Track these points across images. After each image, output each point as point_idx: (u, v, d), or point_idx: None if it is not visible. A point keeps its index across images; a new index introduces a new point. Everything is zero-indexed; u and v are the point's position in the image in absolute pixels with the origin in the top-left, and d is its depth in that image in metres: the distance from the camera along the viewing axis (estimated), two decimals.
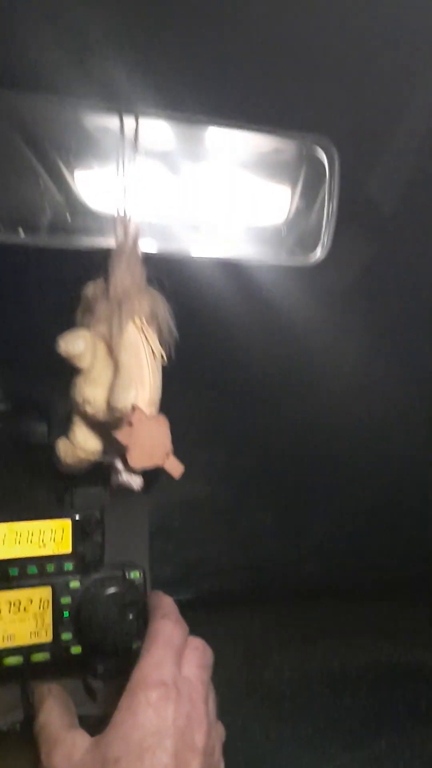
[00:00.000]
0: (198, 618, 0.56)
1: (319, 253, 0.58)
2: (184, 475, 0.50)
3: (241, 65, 0.52)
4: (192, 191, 0.58)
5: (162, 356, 0.50)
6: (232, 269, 0.61)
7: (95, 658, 0.57)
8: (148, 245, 0.57)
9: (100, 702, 0.59)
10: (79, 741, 0.47)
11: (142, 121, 0.53)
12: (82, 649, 0.56)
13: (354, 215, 0.65)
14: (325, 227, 0.57)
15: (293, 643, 0.98)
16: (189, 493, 1.04)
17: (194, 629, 0.54)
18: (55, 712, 0.51)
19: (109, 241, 0.52)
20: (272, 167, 0.56)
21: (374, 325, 0.92)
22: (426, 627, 1.04)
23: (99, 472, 0.55)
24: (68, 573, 0.56)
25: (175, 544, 1.05)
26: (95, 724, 0.51)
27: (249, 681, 0.89)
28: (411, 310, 0.94)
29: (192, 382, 0.78)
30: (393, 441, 1.07)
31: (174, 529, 1.05)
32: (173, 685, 0.46)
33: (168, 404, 0.51)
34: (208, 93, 0.53)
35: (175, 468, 0.49)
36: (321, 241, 0.57)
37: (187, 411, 0.95)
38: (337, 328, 0.88)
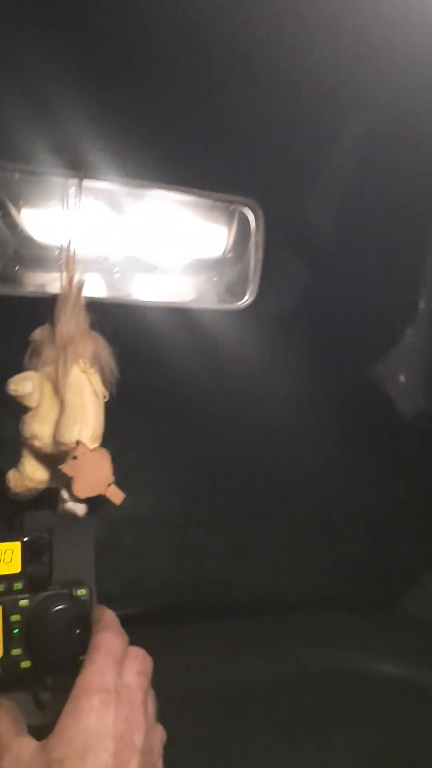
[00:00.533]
0: (140, 631, 0.61)
1: (248, 298, 0.64)
2: (134, 493, 0.55)
3: (180, 135, 0.59)
4: (131, 240, 0.64)
5: (104, 395, 0.55)
6: (170, 311, 0.67)
7: (44, 671, 0.61)
8: (91, 290, 0.62)
9: (49, 712, 0.63)
10: (25, 745, 0.51)
11: (88, 181, 0.58)
12: (32, 663, 0.60)
13: (285, 258, 0.73)
14: (253, 275, 0.64)
15: (233, 655, 1.03)
16: (137, 510, 1.09)
17: (137, 642, 0.59)
18: (3, 723, 0.55)
19: (55, 289, 0.57)
20: (205, 222, 0.63)
21: (306, 352, 1.00)
22: (355, 635, 1.11)
23: (47, 497, 0.59)
24: (17, 592, 0.60)
25: (122, 559, 1.09)
26: (44, 732, 0.55)
27: (189, 689, 0.94)
28: (342, 337, 1.03)
29: (141, 409, 0.84)
30: (329, 459, 1.14)
31: (122, 545, 1.10)
32: (114, 691, 0.51)
33: (119, 428, 0.56)
34: (151, 159, 0.59)
35: (116, 496, 0.55)
36: (250, 287, 0.64)
37: (136, 434, 1.01)
38: (273, 356, 0.95)
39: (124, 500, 0.57)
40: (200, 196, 0.60)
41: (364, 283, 0.95)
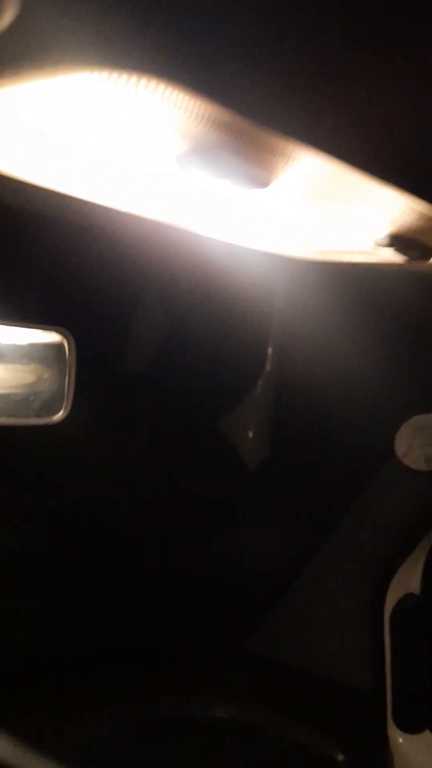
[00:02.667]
0: None
1: (61, 414, 0.72)
2: None
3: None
4: None
5: None
6: None
7: None
8: None
9: None
10: None
11: None
12: None
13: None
14: (66, 394, 0.72)
15: (95, 706, 1.03)
16: None
17: None
18: None
19: None
20: (20, 349, 0.71)
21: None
22: (204, 681, 1.14)
23: None
24: None
25: None
26: None
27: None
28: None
29: None
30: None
31: None
32: None
33: None
34: None
35: None
36: (64, 404, 0.72)
37: None
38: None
39: None
40: (17, 326, 0.68)
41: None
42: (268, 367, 1.27)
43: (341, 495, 1.20)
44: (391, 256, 0.46)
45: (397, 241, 0.40)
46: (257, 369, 1.25)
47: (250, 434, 1.29)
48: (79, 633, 1.12)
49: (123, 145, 0.30)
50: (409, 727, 1.17)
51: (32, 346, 0.70)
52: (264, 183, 0.31)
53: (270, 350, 1.25)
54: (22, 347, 0.68)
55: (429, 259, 0.43)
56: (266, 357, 1.25)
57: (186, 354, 1.13)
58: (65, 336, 0.72)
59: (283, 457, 1.26)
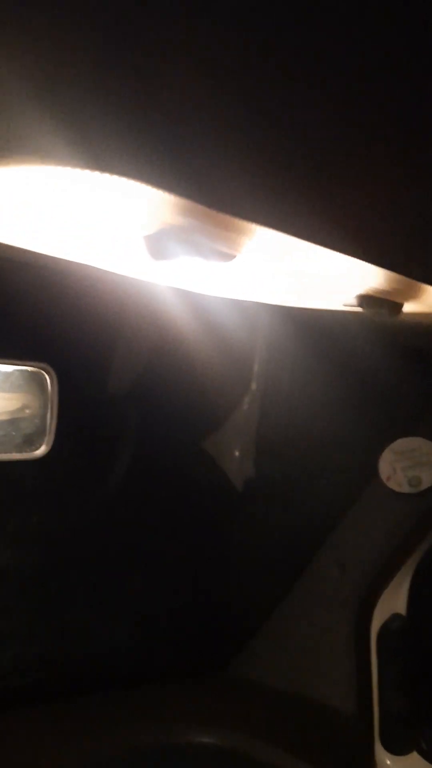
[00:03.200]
0: None
1: (43, 449, 0.73)
2: None
3: None
4: None
5: None
6: None
7: None
8: None
9: None
10: None
11: None
12: None
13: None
14: (49, 429, 0.72)
15: (75, 732, 1.02)
16: None
17: None
18: None
19: None
20: (4, 383, 0.71)
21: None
22: (185, 705, 1.13)
23: None
24: None
25: None
26: None
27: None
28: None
29: None
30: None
31: None
32: None
33: None
34: None
35: None
36: (46, 439, 0.72)
37: None
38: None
39: None
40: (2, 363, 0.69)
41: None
42: (253, 386, 1.28)
43: (326, 516, 1.21)
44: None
45: (366, 301, 0.41)
46: (242, 388, 1.26)
47: (236, 453, 1.30)
48: (59, 657, 1.12)
49: (92, 219, 0.31)
50: (397, 748, 1.17)
51: (14, 374, 0.70)
52: (229, 258, 0.32)
53: (256, 367, 1.26)
54: (5, 374, 0.69)
55: (397, 315, 0.44)
56: (252, 376, 1.26)
57: (170, 374, 1.14)
58: (47, 371, 0.72)
59: (268, 477, 1.26)
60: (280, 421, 1.25)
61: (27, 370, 0.71)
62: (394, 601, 1.20)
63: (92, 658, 1.16)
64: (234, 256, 0.33)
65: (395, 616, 1.21)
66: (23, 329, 0.73)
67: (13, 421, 0.71)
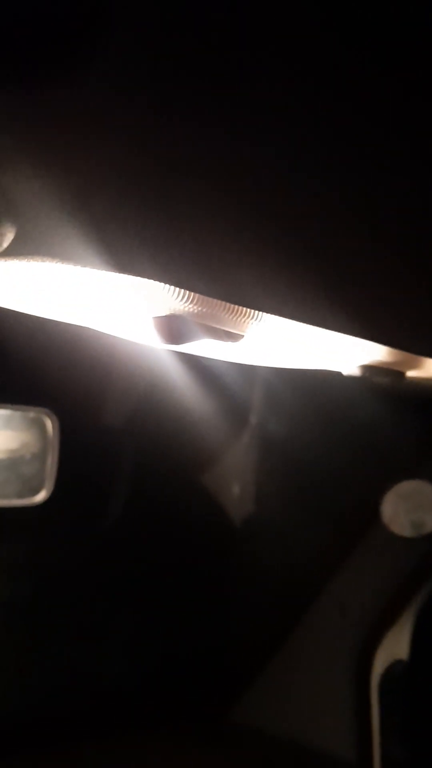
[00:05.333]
0: None
1: (43, 495, 0.72)
2: None
3: None
4: None
5: None
6: None
7: None
8: None
9: None
10: None
11: None
12: None
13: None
14: (49, 473, 0.71)
15: None
16: None
17: None
18: None
19: None
20: (5, 428, 0.71)
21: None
22: (192, 755, 1.10)
23: None
24: None
25: None
26: None
27: None
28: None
29: None
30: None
31: None
32: None
33: None
34: None
35: None
36: (46, 485, 0.71)
37: None
38: None
39: None
40: (5, 408, 0.68)
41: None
42: (253, 420, 1.27)
43: (326, 558, 1.19)
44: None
45: (369, 370, 0.41)
46: (241, 423, 1.25)
47: (235, 489, 1.29)
48: (45, 702, 1.09)
49: (101, 301, 0.31)
50: None
51: (15, 416, 0.69)
52: (237, 339, 0.33)
53: (255, 402, 1.26)
54: (6, 416, 0.68)
55: (400, 382, 0.44)
56: (251, 408, 1.26)
57: (168, 409, 1.13)
58: (49, 416, 0.71)
59: (267, 516, 1.25)
60: (281, 458, 1.24)
61: (28, 414, 0.71)
62: (395, 646, 1.18)
63: (82, 703, 1.13)
64: (242, 337, 0.34)
65: (397, 662, 1.19)
66: (24, 374, 0.73)
67: (13, 465, 0.70)
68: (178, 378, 0.98)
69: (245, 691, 1.21)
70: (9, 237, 0.22)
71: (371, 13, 0.20)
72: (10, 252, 0.23)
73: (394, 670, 1.18)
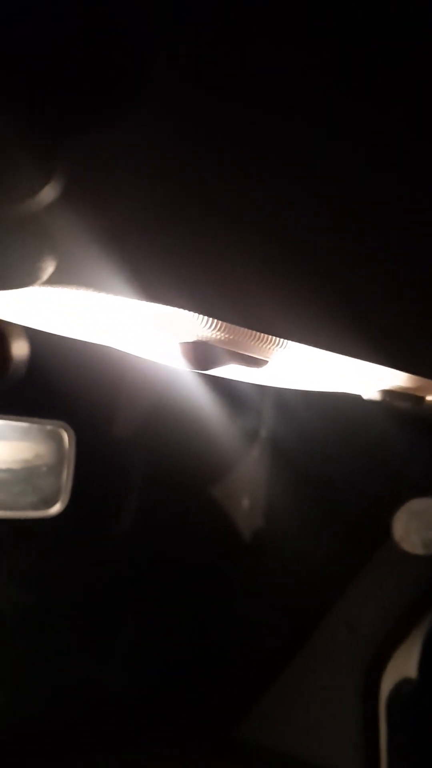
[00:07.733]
0: None
1: (58, 507, 0.72)
2: None
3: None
4: None
5: None
6: None
7: None
8: None
9: None
10: None
11: None
12: None
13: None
14: (65, 486, 0.72)
15: None
16: None
17: None
18: None
19: None
20: (23, 440, 0.72)
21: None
22: None
23: None
24: None
25: None
26: None
27: None
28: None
29: None
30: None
31: None
32: None
33: None
34: None
35: None
36: (61, 497, 0.72)
37: None
38: None
39: None
40: (21, 420, 0.69)
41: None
42: (263, 434, 1.28)
43: (336, 575, 1.19)
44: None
45: (389, 395, 0.42)
46: (253, 436, 1.26)
47: (246, 504, 1.29)
48: (49, 714, 1.09)
49: (131, 326, 0.32)
50: None
51: (32, 429, 0.70)
52: (261, 364, 0.34)
53: (266, 415, 1.26)
54: (21, 426, 0.69)
55: (420, 406, 0.45)
56: (263, 422, 1.26)
57: (178, 421, 1.14)
58: (66, 429, 0.72)
59: (277, 530, 1.25)
60: (292, 473, 1.24)
61: (45, 427, 0.72)
62: (404, 665, 1.17)
63: (88, 714, 1.13)
64: (266, 362, 0.35)
65: (406, 680, 1.19)
66: (43, 389, 0.74)
67: (30, 477, 0.71)
68: (190, 392, 0.99)
69: (252, 706, 1.21)
70: (49, 270, 0.23)
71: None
72: (48, 281, 0.24)
73: (402, 688, 1.17)
